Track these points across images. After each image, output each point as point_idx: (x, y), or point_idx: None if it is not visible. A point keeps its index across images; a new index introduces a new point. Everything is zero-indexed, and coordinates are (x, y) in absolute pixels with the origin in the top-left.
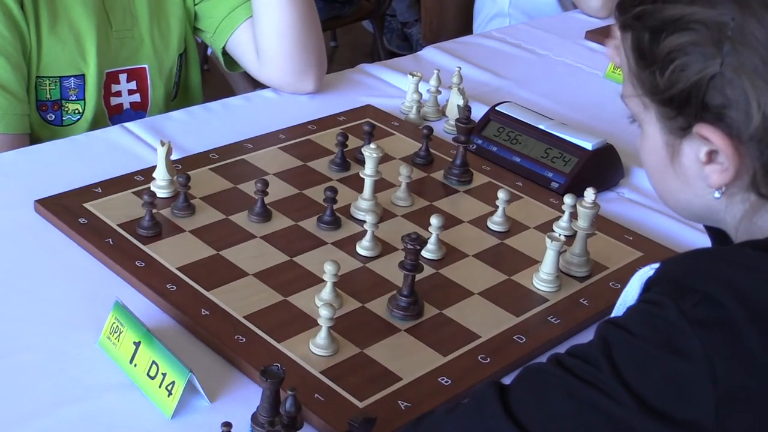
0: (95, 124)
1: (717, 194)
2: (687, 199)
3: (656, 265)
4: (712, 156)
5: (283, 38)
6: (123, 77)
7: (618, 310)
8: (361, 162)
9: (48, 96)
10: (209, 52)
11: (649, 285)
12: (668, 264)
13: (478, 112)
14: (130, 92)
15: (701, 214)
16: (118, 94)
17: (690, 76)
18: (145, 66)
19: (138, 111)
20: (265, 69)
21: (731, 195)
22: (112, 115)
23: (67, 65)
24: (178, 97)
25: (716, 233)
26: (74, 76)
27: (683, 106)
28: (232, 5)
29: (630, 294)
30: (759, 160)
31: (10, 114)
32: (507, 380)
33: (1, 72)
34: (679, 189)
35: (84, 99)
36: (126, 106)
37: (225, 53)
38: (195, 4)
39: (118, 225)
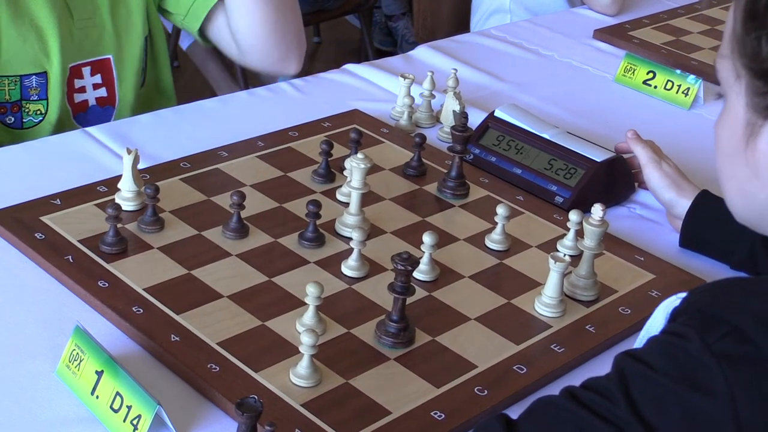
0: (59, 126)
1: None
2: (751, 192)
3: (683, 295)
4: None
5: (259, 33)
6: (86, 71)
7: (640, 343)
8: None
9: (7, 97)
10: (181, 44)
11: (674, 315)
12: (695, 293)
13: (475, 118)
14: (95, 86)
15: (760, 213)
16: (83, 89)
17: None
18: (109, 56)
19: (105, 107)
20: (245, 58)
21: None
22: (76, 113)
23: (28, 63)
24: (149, 89)
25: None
26: (36, 74)
27: None
28: None
29: (654, 326)
30: None
31: None
32: (511, 413)
33: None
34: (746, 177)
35: (47, 99)
36: (92, 102)
37: (202, 35)
38: None
39: (78, 241)
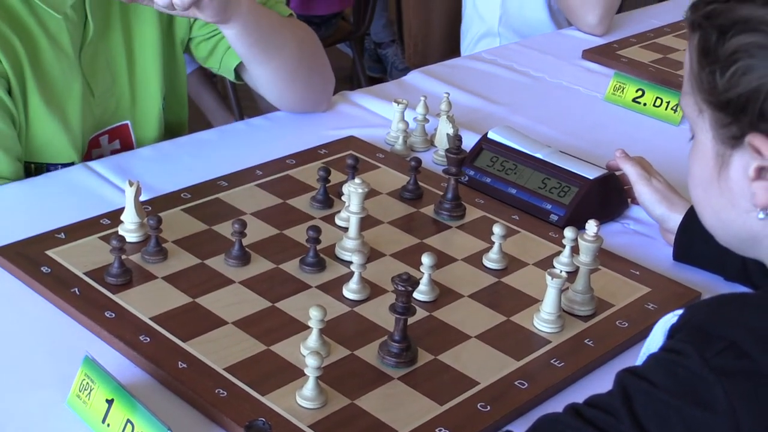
0: None
1: (762, 215)
2: (728, 219)
3: (680, 312)
4: (761, 172)
5: (289, 101)
6: (104, 139)
7: (640, 360)
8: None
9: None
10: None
11: (672, 332)
12: (692, 310)
13: (469, 140)
14: (113, 152)
15: (740, 238)
16: (100, 157)
17: (751, 81)
18: (127, 122)
19: None
20: (274, 102)
21: None
22: None
23: (56, 153)
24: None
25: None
26: (62, 164)
27: (739, 113)
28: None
29: (654, 343)
30: None
31: None
32: (514, 428)
33: (2, 165)
34: (721, 206)
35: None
36: None
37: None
38: (189, 39)
39: (84, 273)
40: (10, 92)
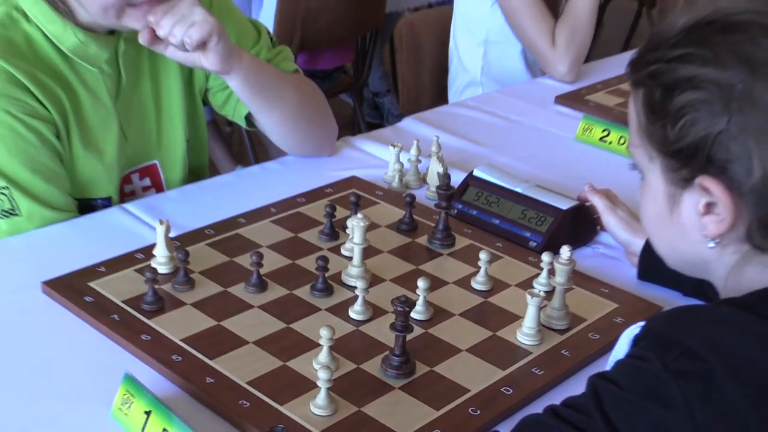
0: None
1: (712, 244)
2: (682, 249)
3: (642, 323)
4: (709, 207)
5: (293, 144)
6: (135, 177)
7: (609, 366)
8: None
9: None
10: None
11: (636, 341)
12: (652, 321)
13: (457, 178)
14: (144, 189)
15: (693, 264)
16: (132, 193)
17: (698, 131)
18: (155, 162)
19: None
20: (283, 148)
21: (725, 246)
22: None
23: (95, 189)
24: (189, 175)
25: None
26: (101, 198)
27: (689, 159)
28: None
29: (620, 351)
30: (755, 212)
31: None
32: (501, 429)
33: (57, 198)
34: (675, 238)
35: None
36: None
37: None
38: (207, 89)
39: (122, 301)
40: (58, 137)
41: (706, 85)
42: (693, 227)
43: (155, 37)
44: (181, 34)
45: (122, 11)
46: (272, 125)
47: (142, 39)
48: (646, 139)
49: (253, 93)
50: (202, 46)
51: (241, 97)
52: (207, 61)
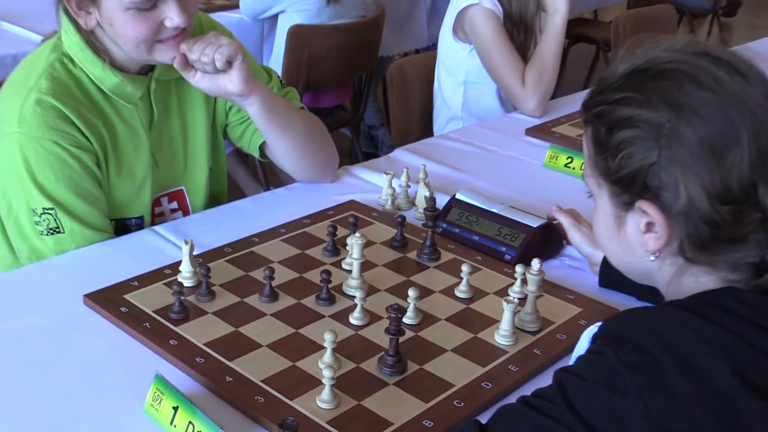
0: None
1: (652, 257)
2: (629, 261)
3: (599, 324)
4: (649, 226)
5: (300, 168)
6: (164, 200)
7: (572, 361)
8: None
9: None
10: None
11: (594, 339)
12: (608, 322)
13: (442, 201)
14: (172, 211)
15: (640, 273)
16: (162, 214)
17: (635, 163)
18: (182, 187)
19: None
20: (291, 174)
21: (663, 259)
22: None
23: (129, 211)
24: (211, 200)
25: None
26: (135, 217)
27: (628, 186)
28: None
29: (581, 348)
30: (685, 231)
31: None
32: (482, 419)
33: (96, 219)
34: (623, 252)
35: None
36: (169, 221)
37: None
38: (226, 124)
39: (153, 311)
40: (98, 165)
41: (640, 124)
42: (636, 243)
43: (186, 64)
44: (212, 52)
45: (152, 46)
46: (284, 150)
47: (176, 64)
48: (595, 170)
49: (270, 118)
50: (228, 66)
51: (258, 122)
52: (231, 83)
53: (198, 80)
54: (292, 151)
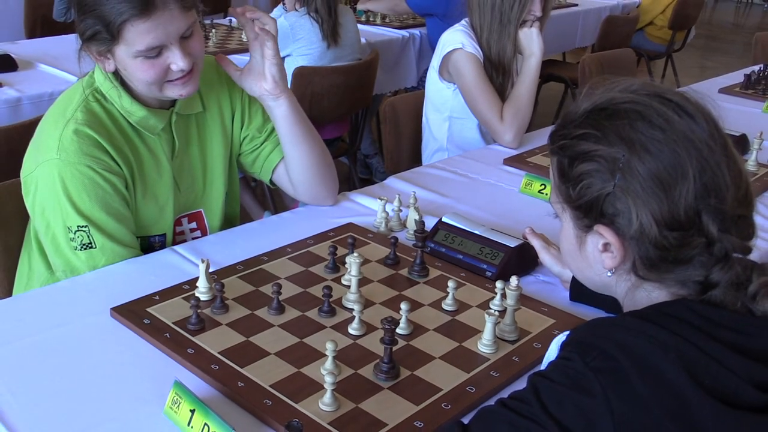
0: None
1: (609, 274)
2: (590, 276)
3: (567, 332)
4: (606, 247)
5: (308, 177)
6: (185, 220)
7: (544, 365)
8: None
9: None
10: None
11: (563, 346)
12: (575, 330)
13: (430, 223)
14: (192, 230)
15: (600, 286)
16: (182, 233)
17: (593, 192)
18: (201, 210)
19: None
20: (299, 193)
21: (619, 275)
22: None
23: (155, 228)
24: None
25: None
26: (158, 235)
27: (588, 212)
28: (267, 152)
29: (551, 353)
30: (638, 252)
31: (119, 257)
32: (466, 420)
33: (125, 236)
34: (585, 268)
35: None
36: (188, 239)
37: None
38: (240, 153)
39: (172, 323)
40: (126, 188)
41: (598, 159)
42: (595, 261)
43: (229, 61)
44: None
45: (162, 86)
46: (299, 161)
47: (220, 59)
48: (559, 196)
49: (294, 122)
50: (265, 34)
51: (282, 126)
52: (266, 82)
53: (238, 77)
54: (308, 162)
